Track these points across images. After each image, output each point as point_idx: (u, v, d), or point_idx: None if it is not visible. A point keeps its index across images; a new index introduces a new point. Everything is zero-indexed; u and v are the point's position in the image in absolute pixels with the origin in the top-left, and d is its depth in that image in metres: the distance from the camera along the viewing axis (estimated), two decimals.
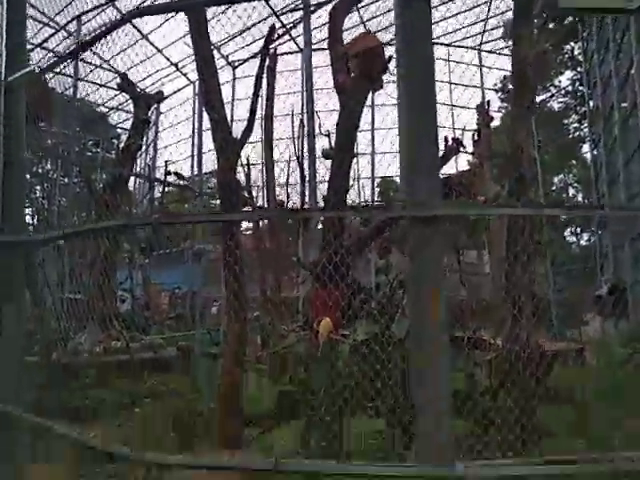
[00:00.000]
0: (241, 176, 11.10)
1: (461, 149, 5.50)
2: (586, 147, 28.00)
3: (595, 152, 18.81)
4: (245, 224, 16.44)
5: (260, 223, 15.31)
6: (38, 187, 16.79)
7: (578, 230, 34.32)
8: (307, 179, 12.36)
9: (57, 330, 7.38)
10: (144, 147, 18.09)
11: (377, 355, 4.58)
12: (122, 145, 12.02)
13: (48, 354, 6.67)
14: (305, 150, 10.91)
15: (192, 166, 16.81)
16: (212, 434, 5.26)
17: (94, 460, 4.66)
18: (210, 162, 19.35)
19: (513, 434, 3.10)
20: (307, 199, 11.39)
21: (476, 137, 8.28)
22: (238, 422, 5.36)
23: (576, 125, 29.24)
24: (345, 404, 4.60)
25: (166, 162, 12.95)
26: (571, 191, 31.76)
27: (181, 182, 12.89)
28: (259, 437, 5.22)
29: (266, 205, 12.14)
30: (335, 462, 1.81)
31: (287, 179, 15.99)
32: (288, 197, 12.10)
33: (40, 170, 17.51)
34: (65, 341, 7.89)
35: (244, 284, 6.40)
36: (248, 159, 15.07)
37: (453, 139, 5.57)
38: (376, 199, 17.83)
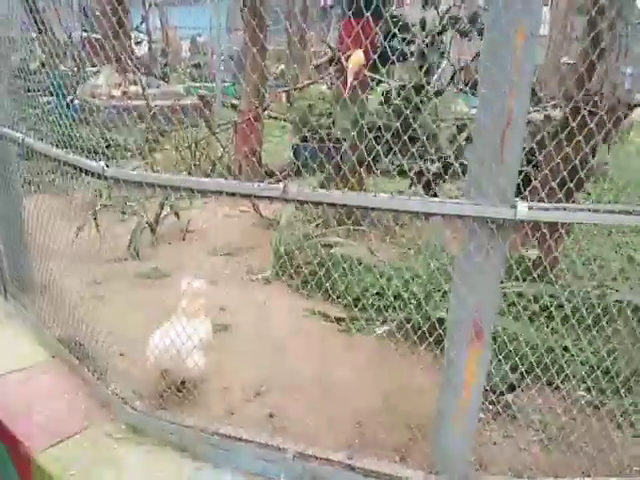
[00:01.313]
0: None
1: None
2: None
3: None
4: None
5: None
6: None
7: None
8: None
9: (71, 70, 6.78)
10: None
11: (411, 105, 4.01)
12: None
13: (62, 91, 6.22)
14: None
15: None
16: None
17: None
18: None
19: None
20: None
21: None
22: (256, 171, 5.16)
23: None
24: (370, 157, 4.21)
25: None
26: None
27: None
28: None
29: None
30: (350, 191, 1.44)
31: None
32: None
33: None
34: (80, 81, 7.38)
35: (264, 31, 5.57)
36: None
37: None
38: None
